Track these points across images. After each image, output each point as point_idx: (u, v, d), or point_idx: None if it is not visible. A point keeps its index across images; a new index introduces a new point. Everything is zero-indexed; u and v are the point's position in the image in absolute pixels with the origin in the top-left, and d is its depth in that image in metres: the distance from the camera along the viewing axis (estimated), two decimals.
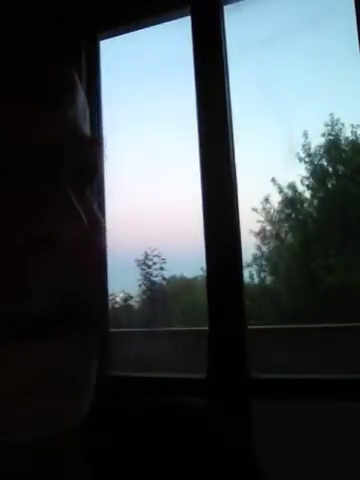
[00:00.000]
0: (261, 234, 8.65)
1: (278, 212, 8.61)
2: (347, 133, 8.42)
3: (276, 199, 8.63)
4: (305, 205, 8.55)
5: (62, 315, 0.27)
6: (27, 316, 0.26)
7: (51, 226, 0.26)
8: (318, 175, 8.48)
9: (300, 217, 8.51)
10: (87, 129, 0.34)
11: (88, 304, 0.29)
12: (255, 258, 8.52)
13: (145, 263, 8.51)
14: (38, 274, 0.27)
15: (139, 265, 8.51)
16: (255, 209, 8.46)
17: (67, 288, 0.27)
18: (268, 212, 8.62)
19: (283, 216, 8.61)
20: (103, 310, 0.30)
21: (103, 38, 1.68)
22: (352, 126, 8.37)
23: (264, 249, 8.68)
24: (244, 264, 1.44)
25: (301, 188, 8.51)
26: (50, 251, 0.27)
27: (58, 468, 0.34)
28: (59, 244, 0.27)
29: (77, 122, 0.32)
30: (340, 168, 8.50)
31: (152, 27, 1.61)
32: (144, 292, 8.63)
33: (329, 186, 8.47)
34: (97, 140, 0.34)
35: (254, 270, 8.45)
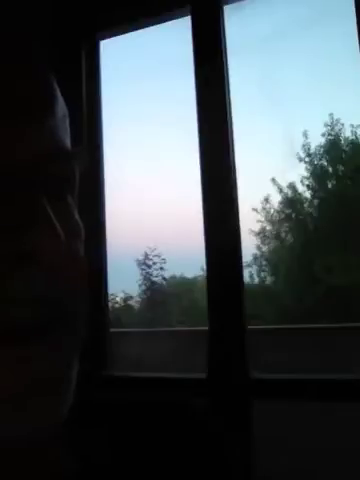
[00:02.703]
0: (261, 234, 8.66)
1: (278, 212, 8.61)
2: (347, 133, 8.43)
3: (276, 199, 8.64)
4: (305, 205, 8.56)
5: (44, 322, 0.28)
6: (10, 324, 0.27)
7: (30, 243, 0.27)
8: (318, 175, 8.48)
9: (300, 217, 8.51)
10: (67, 138, 0.34)
11: (69, 310, 0.30)
12: (255, 258, 8.53)
13: (145, 263, 8.52)
14: (19, 286, 0.28)
15: (139, 265, 8.52)
16: (255, 209, 8.47)
17: (47, 298, 0.29)
18: (268, 212, 8.63)
19: (283, 216, 8.61)
20: (84, 315, 0.31)
21: (103, 38, 1.68)
22: (352, 126, 8.38)
23: (264, 249, 8.69)
24: (244, 264, 1.44)
25: (301, 188, 8.52)
26: (30, 266, 0.28)
27: (44, 468, 0.34)
28: (38, 260, 0.28)
29: (56, 134, 0.32)
30: (340, 168, 8.51)
31: (152, 27, 1.61)
32: (144, 292, 8.63)
33: (329, 186, 8.48)
34: (76, 151, 0.34)
35: (254, 270, 8.46)
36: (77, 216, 0.34)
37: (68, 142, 0.34)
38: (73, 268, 0.31)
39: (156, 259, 8.46)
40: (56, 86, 0.34)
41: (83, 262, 0.33)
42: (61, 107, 0.34)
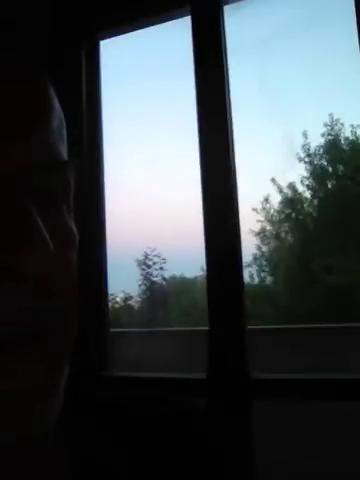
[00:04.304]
0: (261, 234, 8.65)
1: (278, 212, 8.61)
2: (347, 133, 8.42)
3: (276, 199, 8.64)
4: (305, 205, 8.55)
5: (29, 334, 0.28)
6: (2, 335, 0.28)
7: (17, 256, 0.27)
8: (318, 175, 8.48)
9: (300, 217, 8.51)
10: (62, 147, 0.33)
11: (56, 321, 0.30)
12: (255, 258, 8.53)
13: (145, 263, 8.52)
14: (4, 300, 0.27)
15: (139, 265, 8.52)
16: (255, 209, 8.47)
17: (33, 310, 0.29)
18: (268, 212, 8.63)
19: (283, 216, 8.61)
20: (73, 324, 0.32)
21: (103, 38, 1.68)
22: (352, 126, 8.38)
23: (264, 249, 8.68)
24: (244, 264, 1.44)
25: (301, 188, 8.51)
26: (17, 279, 0.27)
27: (44, 468, 0.34)
28: (25, 273, 0.27)
29: (50, 144, 0.32)
30: (340, 168, 8.50)
31: (152, 27, 1.61)
32: (144, 292, 8.63)
33: (329, 186, 8.48)
34: (70, 161, 0.34)
35: (254, 270, 8.46)
36: (72, 225, 0.34)
37: (64, 151, 0.34)
38: (62, 279, 0.31)
39: (156, 259, 8.46)
40: (52, 92, 0.33)
41: (73, 272, 0.33)
42: (57, 115, 0.33)
